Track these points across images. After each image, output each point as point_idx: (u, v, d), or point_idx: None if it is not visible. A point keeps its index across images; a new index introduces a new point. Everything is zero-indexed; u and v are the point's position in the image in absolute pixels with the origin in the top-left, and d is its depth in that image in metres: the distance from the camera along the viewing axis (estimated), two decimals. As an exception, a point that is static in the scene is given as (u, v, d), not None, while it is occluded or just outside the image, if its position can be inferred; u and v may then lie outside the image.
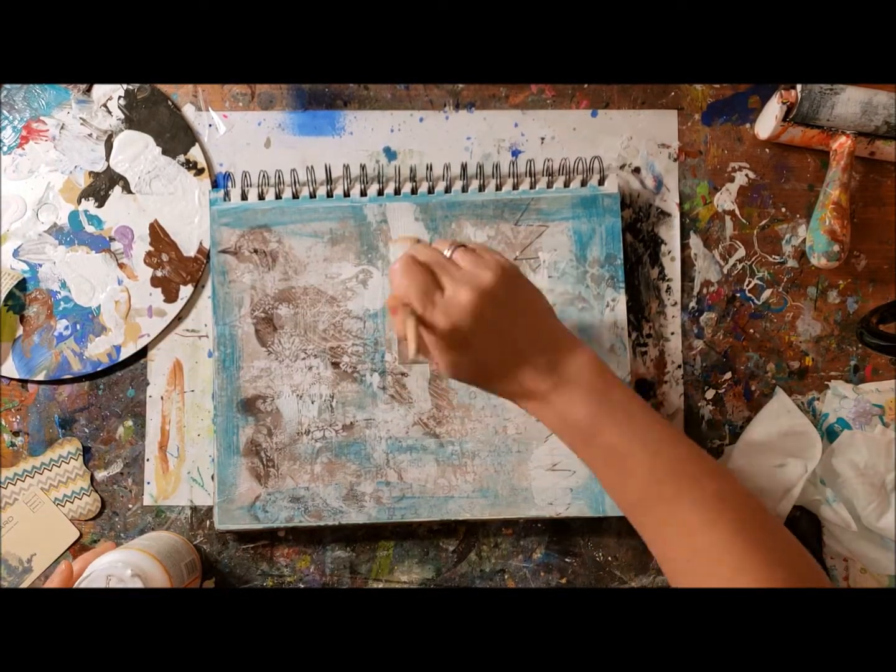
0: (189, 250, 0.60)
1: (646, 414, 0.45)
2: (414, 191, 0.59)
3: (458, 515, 0.57)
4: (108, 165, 0.60)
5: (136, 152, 0.60)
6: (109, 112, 0.60)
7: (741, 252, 0.61)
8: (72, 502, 0.58)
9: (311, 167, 0.59)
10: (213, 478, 0.58)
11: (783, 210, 0.61)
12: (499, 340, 0.45)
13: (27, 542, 0.59)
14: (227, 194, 0.59)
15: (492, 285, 0.44)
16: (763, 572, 0.40)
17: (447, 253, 0.46)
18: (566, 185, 0.59)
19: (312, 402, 0.58)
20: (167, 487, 0.59)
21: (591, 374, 0.45)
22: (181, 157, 0.60)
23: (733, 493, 0.43)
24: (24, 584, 0.58)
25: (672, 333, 0.60)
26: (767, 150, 0.62)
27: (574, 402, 0.44)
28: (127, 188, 0.60)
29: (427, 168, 0.59)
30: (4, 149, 0.60)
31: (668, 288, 0.61)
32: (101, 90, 0.60)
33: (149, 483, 0.59)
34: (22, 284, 0.59)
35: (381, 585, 0.59)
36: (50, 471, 0.58)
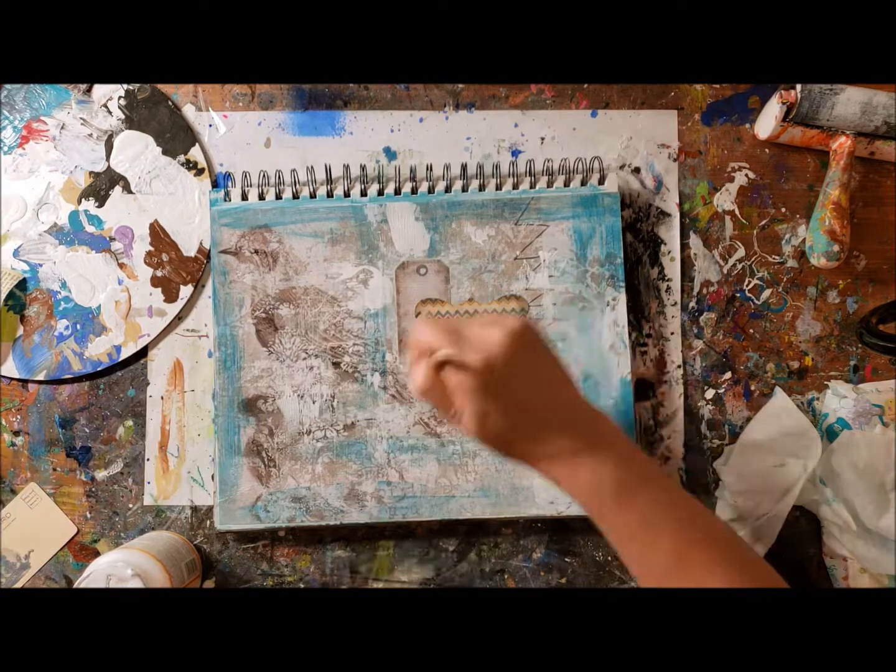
0: (189, 250, 0.60)
1: (671, 483, 0.45)
2: (414, 191, 0.59)
3: (460, 515, 0.57)
4: (109, 165, 0.60)
5: (137, 152, 0.60)
6: (110, 112, 0.60)
7: (741, 252, 0.61)
8: None
9: (311, 167, 0.59)
10: (213, 477, 0.58)
11: (783, 210, 0.61)
12: (532, 385, 0.42)
13: (24, 539, 0.59)
14: (227, 194, 0.59)
15: (519, 329, 0.42)
16: None
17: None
18: (566, 184, 0.59)
19: (313, 402, 0.58)
20: (167, 487, 0.59)
21: (620, 441, 0.44)
22: (181, 158, 0.60)
23: (755, 561, 0.45)
24: (22, 581, 0.58)
25: (672, 333, 0.61)
26: (767, 150, 0.62)
27: (605, 468, 0.43)
28: (127, 188, 0.60)
29: (427, 168, 0.59)
30: (5, 149, 0.60)
31: (668, 288, 0.61)
32: (101, 90, 0.60)
33: (149, 483, 0.59)
34: (22, 284, 0.59)
35: (381, 585, 0.59)
36: None
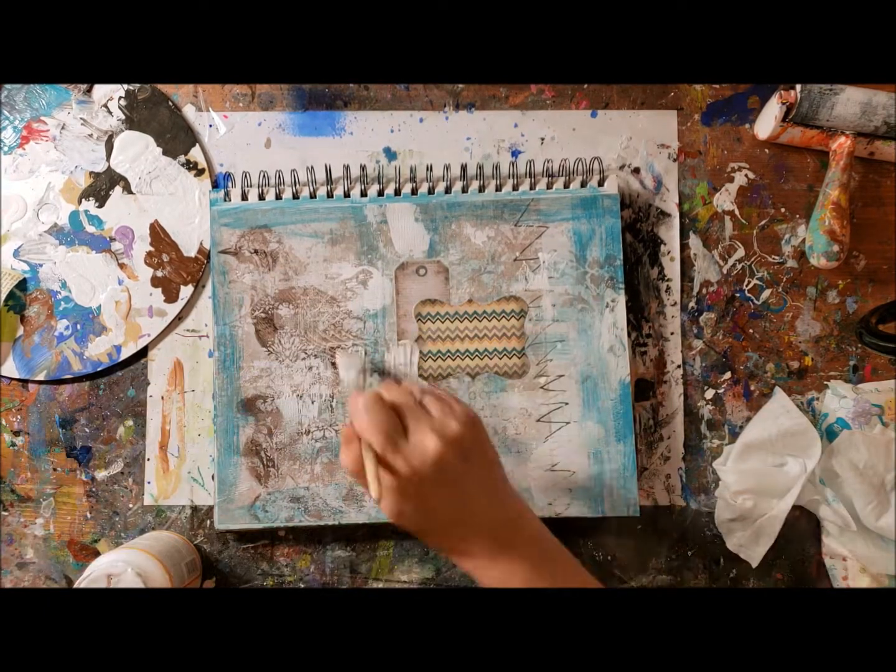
0: (189, 250, 0.60)
1: (576, 573, 0.46)
2: (414, 191, 0.59)
3: (458, 515, 0.57)
4: (109, 166, 0.60)
5: (137, 153, 0.60)
6: (110, 112, 0.60)
7: (740, 252, 0.61)
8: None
9: (312, 167, 0.59)
10: (213, 477, 0.58)
11: (782, 210, 0.61)
12: (454, 496, 0.43)
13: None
14: (227, 194, 0.59)
15: (459, 435, 0.43)
16: None
17: (417, 396, 0.45)
18: (566, 185, 0.59)
19: (312, 402, 0.58)
20: (167, 487, 0.59)
21: (536, 540, 0.45)
22: (181, 158, 0.60)
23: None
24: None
25: (672, 333, 0.61)
26: (767, 150, 0.62)
27: (517, 571, 0.44)
28: (127, 188, 0.60)
29: (427, 168, 0.59)
30: (5, 149, 0.60)
31: (668, 288, 0.61)
32: (101, 90, 0.60)
33: (149, 483, 0.59)
34: (22, 284, 0.59)
35: (381, 585, 0.59)
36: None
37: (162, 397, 0.59)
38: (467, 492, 0.44)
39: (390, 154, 0.61)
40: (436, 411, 0.44)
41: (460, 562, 0.45)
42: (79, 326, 0.59)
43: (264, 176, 0.59)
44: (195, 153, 0.60)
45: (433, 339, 0.58)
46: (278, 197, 0.59)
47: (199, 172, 0.60)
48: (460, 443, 0.43)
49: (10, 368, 0.59)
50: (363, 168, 0.59)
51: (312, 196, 0.59)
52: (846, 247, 0.57)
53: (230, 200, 0.59)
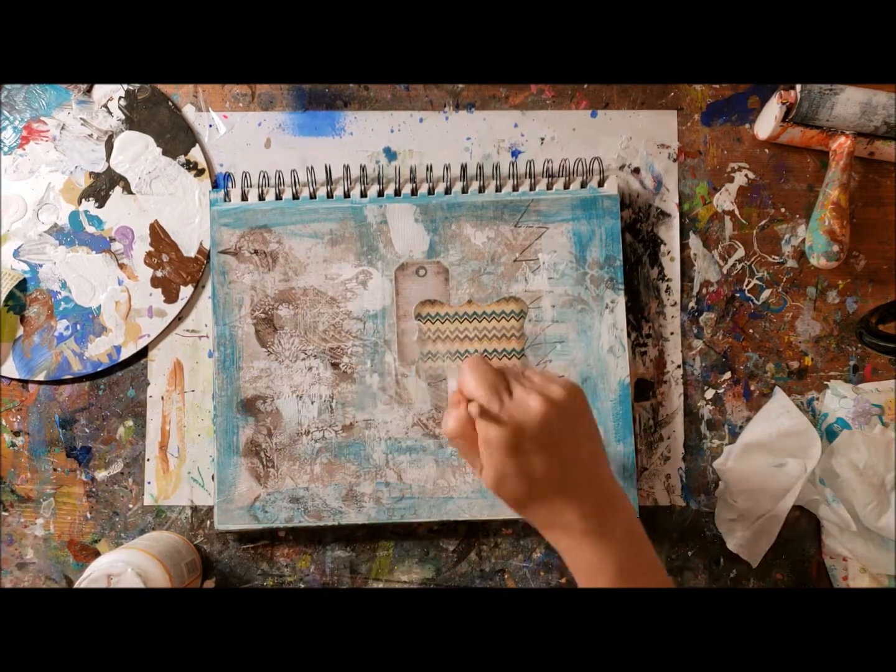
0: (189, 251, 0.60)
1: (662, 573, 0.46)
2: (414, 192, 0.59)
3: (458, 516, 0.57)
4: (109, 166, 0.60)
5: (137, 153, 0.60)
6: (110, 112, 0.60)
7: (740, 252, 0.61)
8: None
9: (311, 168, 0.59)
10: (213, 478, 0.58)
11: (782, 210, 0.61)
12: (556, 459, 0.43)
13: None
14: (227, 195, 0.59)
15: (562, 399, 0.43)
16: None
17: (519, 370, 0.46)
18: (566, 186, 0.59)
19: (312, 403, 0.58)
20: (167, 487, 0.59)
21: (631, 526, 0.45)
22: (181, 158, 0.60)
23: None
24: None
25: (672, 333, 0.61)
26: (767, 150, 0.62)
27: (613, 555, 0.43)
28: (127, 189, 0.60)
29: (427, 169, 0.59)
30: (5, 149, 0.60)
31: (668, 288, 0.61)
32: (101, 90, 0.60)
33: (149, 483, 0.59)
34: (22, 285, 0.59)
35: (381, 585, 0.59)
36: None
37: (162, 397, 0.59)
38: (569, 457, 0.43)
39: (390, 154, 0.61)
40: (538, 378, 0.45)
41: (556, 538, 0.44)
42: (79, 327, 0.59)
43: (264, 176, 0.59)
44: (195, 153, 0.60)
45: (433, 340, 0.58)
46: (278, 197, 0.59)
47: (199, 172, 0.60)
48: (563, 408, 0.43)
49: (10, 368, 0.59)
50: (363, 168, 0.59)
51: (312, 196, 0.59)
52: (846, 247, 0.57)
53: (230, 201, 0.59)
